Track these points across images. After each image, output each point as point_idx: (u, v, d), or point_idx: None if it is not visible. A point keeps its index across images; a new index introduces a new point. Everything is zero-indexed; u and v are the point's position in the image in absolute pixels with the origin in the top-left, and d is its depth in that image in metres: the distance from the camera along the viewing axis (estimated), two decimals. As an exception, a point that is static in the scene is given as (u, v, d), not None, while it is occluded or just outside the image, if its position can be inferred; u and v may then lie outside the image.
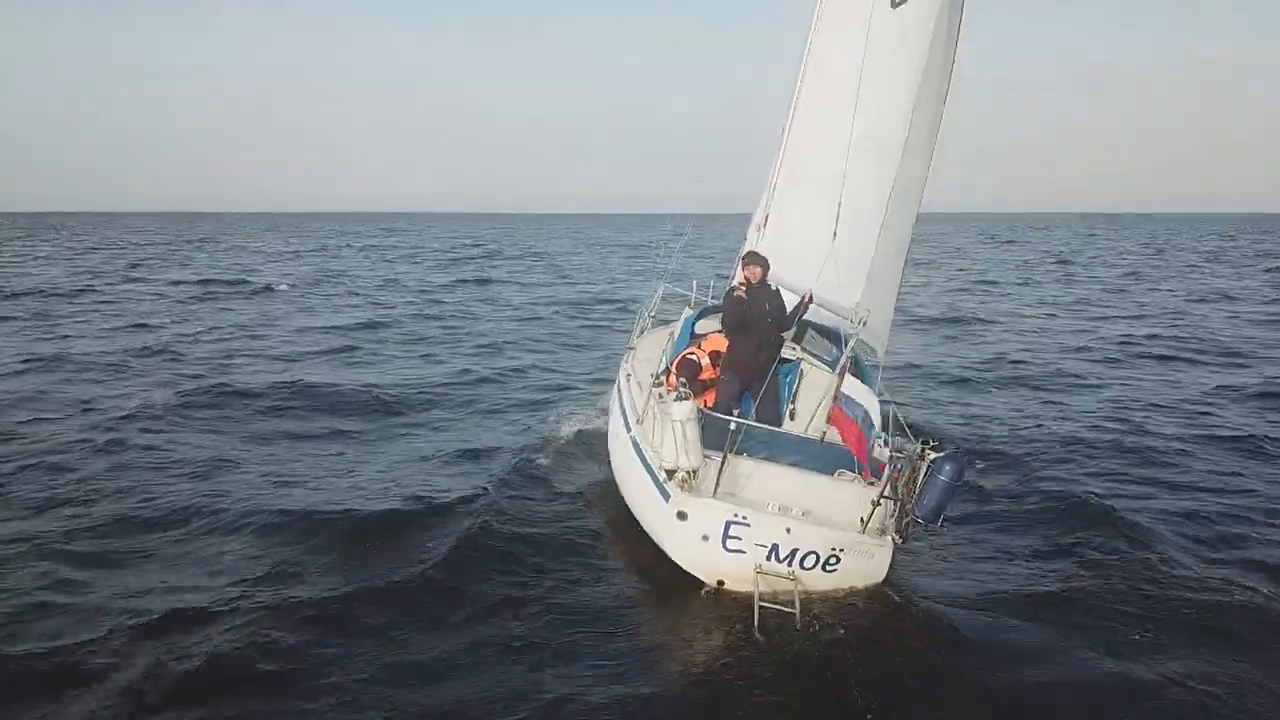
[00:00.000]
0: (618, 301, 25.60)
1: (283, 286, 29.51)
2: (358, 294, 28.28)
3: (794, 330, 8.10)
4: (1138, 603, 6.23)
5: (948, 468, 5.56)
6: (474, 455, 9.64)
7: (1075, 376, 14.85)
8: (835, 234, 7.22)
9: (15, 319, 20.64)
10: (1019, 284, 33.10)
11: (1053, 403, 12.78)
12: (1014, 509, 8.30)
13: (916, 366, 15.29)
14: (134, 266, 38.91)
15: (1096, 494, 8.44)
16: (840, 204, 7.27)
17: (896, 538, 5.95)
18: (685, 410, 5.90)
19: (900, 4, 8.48)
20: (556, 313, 23.67)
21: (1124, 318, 22.92)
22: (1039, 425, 11.23)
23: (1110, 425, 11.21)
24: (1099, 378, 14.82)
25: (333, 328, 19.77)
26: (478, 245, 65.79)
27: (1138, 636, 5.81)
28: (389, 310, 23.54)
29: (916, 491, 5.71)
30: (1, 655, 5.35)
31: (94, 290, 27.74)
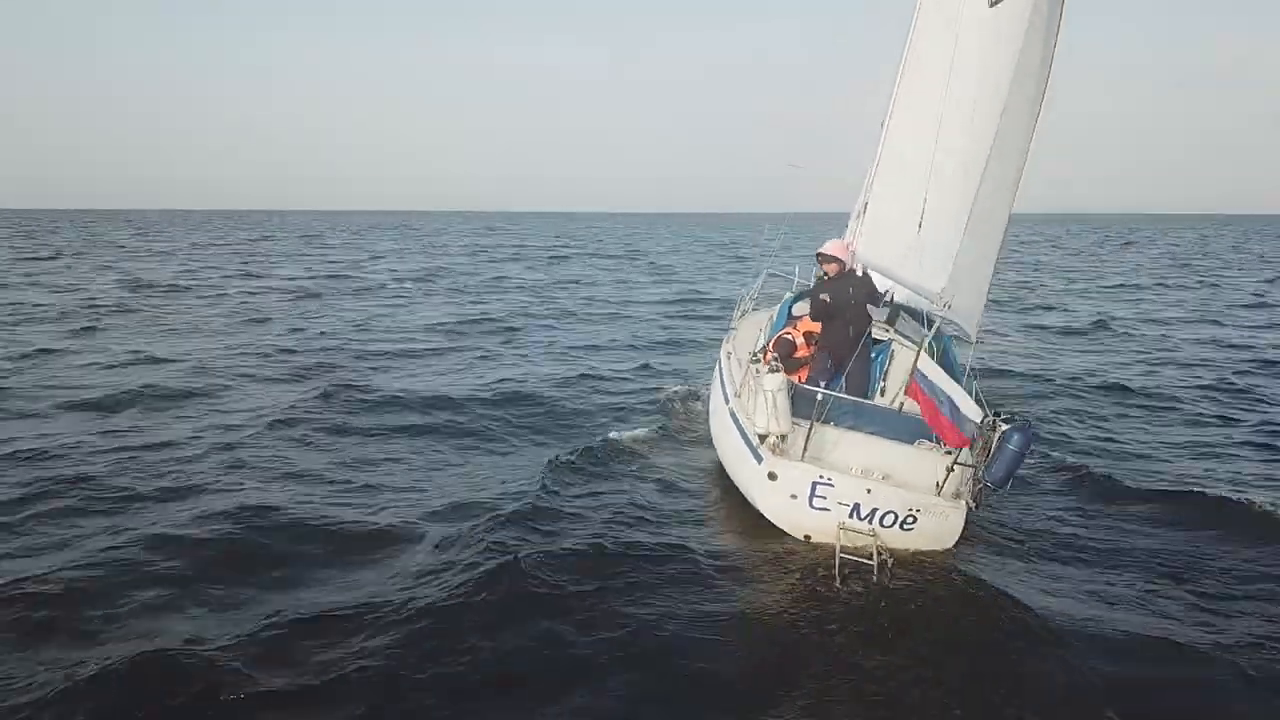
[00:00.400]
0: (716, 300, 25.88)
1: (406, 284, 30.92)
2: (464, 290, 29.55)
3: (887, 314, 8.66)
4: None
5: (1016, 437, 6.09)
6: (578, 431, 10.56)
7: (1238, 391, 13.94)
8: (920, 224, 7.75)
9: (140, 311, 22.20)
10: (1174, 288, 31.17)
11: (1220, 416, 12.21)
12: (1126, 510, 8.26)
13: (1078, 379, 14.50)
14: (246, 262, 41.60)
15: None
16: (925, 198, 7.80)
17: (971, 502, 6.51)
18: (776, 381, 6.63)
19: (996, 3, 8.91)
20: (662, 312, 24.26)
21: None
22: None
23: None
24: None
25: (450, 327, 20.63)
26: (575, 242, 67.21)
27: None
28: (504, 308, 24.57)
29: (988, 459, 6.26)
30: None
31: (216, 286, 29.32)
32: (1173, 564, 7.03)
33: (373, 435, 10.43)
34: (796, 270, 11.26)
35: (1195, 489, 8.51)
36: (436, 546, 6.97)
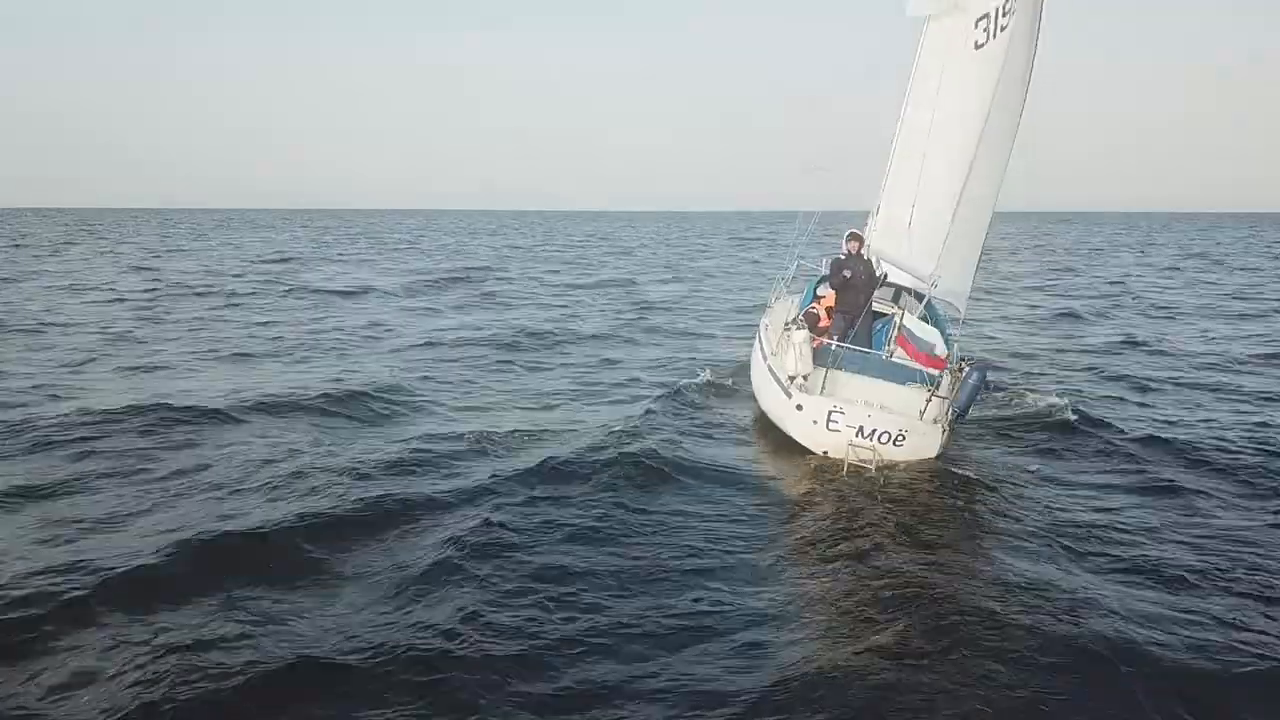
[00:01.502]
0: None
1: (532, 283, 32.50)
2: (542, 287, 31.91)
3: (892, 293, 11.03)
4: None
5: (974, 374, 8.43)
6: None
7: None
8: (910, 223, 10.14)
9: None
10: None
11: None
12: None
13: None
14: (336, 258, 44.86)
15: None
16: (914, 204, 10.19)
17: (946, 425, 8.84)
18: (802, 335, 9.06)
19: (981, 46, 11.22)
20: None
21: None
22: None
23: None
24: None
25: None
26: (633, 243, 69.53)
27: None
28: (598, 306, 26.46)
29: (955, 393, 8.60)
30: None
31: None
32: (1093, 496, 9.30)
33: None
34: (823, 262, 13.64)
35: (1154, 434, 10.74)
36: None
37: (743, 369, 13.20)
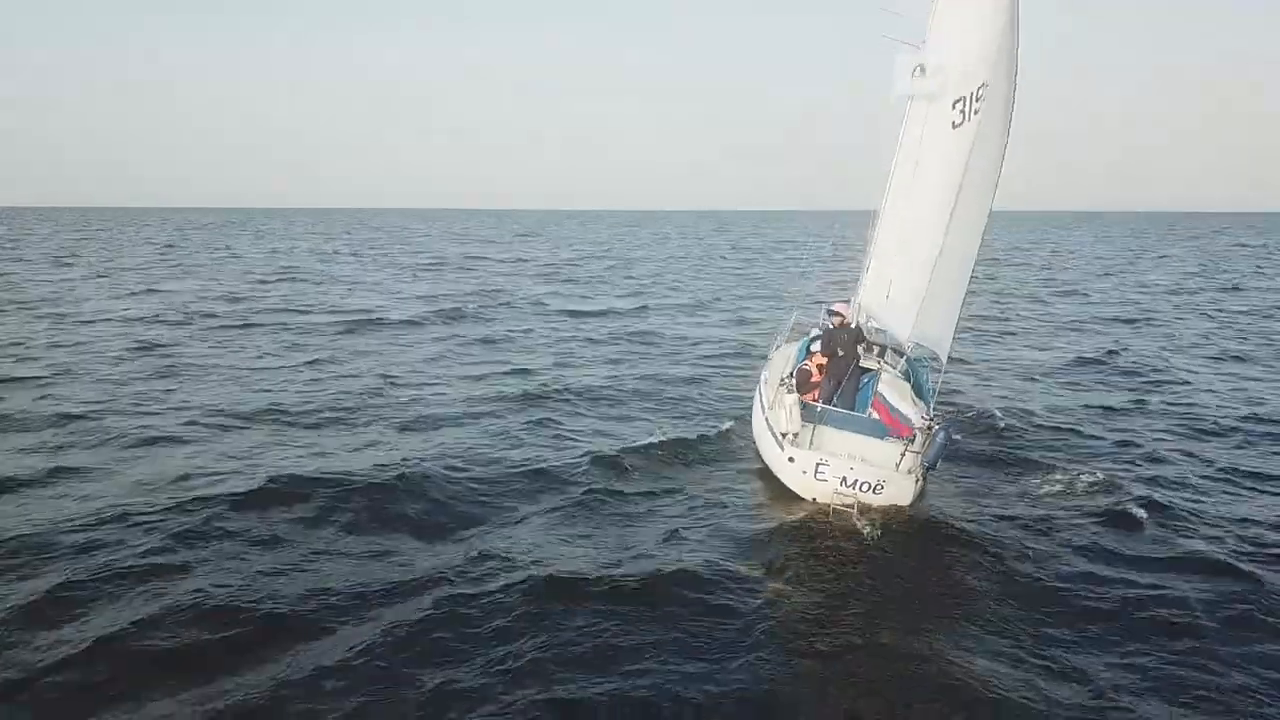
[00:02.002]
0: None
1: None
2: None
3: (877, 351, 12.35)
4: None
5: (941, 435, 9.72)
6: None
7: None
8: (889, 294, 11.45)
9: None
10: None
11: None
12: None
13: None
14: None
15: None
16: (893, 279, 11.50)
17: (919, 476, 10.13)
18: (792, 399, 10.39)
19: (958, 126, 12.49)
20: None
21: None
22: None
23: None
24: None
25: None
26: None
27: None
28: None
29: (926, 449, 9.90)
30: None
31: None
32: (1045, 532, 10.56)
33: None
34: (821, 316, 15.01)
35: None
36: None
37: (744, 416, 14.60)
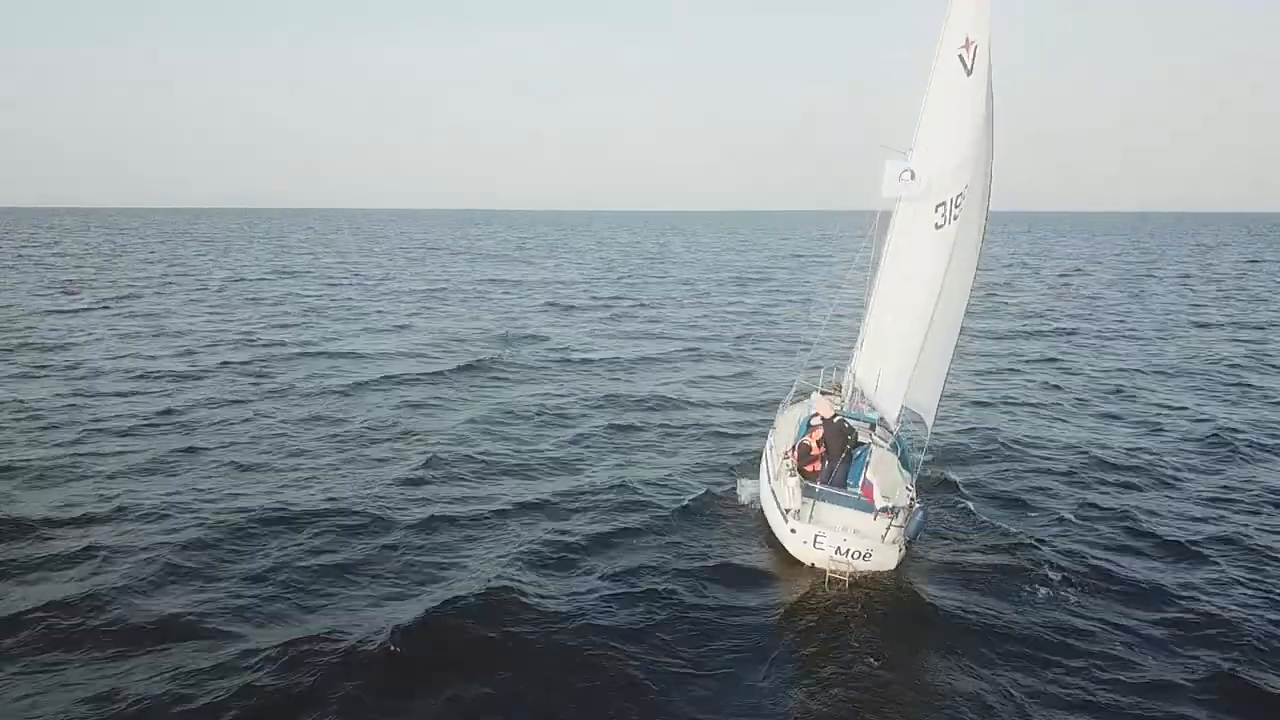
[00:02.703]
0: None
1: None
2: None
3: (868, 427, 14.10)
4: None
5: (919, 514, 11.43)
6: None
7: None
8: (877, 385, 13.20)
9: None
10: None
11: None
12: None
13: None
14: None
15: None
16: (881, 368, 13.24)
17: (901, 546, 11.83)
18: (795, 480, 12.10)
19: (940, 228, 14.18)
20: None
21: None
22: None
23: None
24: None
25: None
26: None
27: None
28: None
29: (906, 524, 11.62)
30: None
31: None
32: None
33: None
34: (820, 378, 16.77)
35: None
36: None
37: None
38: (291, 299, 44.29)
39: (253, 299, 43.87)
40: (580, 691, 9.08)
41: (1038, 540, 13.00)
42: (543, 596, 10.96)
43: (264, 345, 29.70)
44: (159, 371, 24.78)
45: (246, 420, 19.40)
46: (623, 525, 13.49)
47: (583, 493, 14.97)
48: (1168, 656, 10.04)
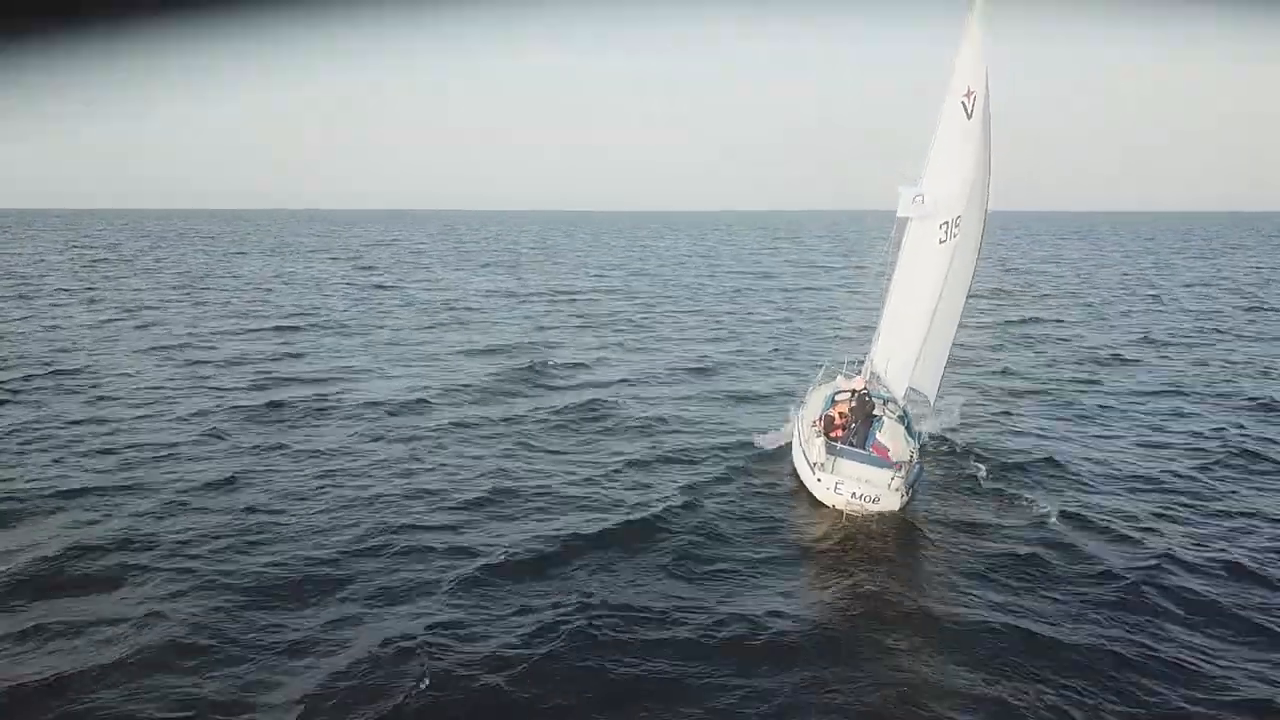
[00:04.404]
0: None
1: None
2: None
3: (881, 402, 17.60)
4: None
5: (918, 467, 14.89)
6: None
7: None
8: (887, 369, 16.66)
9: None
10: None
11: None
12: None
13: None
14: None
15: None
16: (891, 353, 16.69)
17: (902, 492, 15.26)
18: (821, 440, 15.61)
19: (943, 243, 17.51)
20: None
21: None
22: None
23: None
24: None
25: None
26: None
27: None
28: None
29: (908, 475, 15.08)
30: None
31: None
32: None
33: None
34: (845, 363, 20.27)
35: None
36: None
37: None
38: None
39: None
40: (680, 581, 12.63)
41: (1022, 495, 16.39)
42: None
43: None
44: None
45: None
46: (694, 480, 16.96)
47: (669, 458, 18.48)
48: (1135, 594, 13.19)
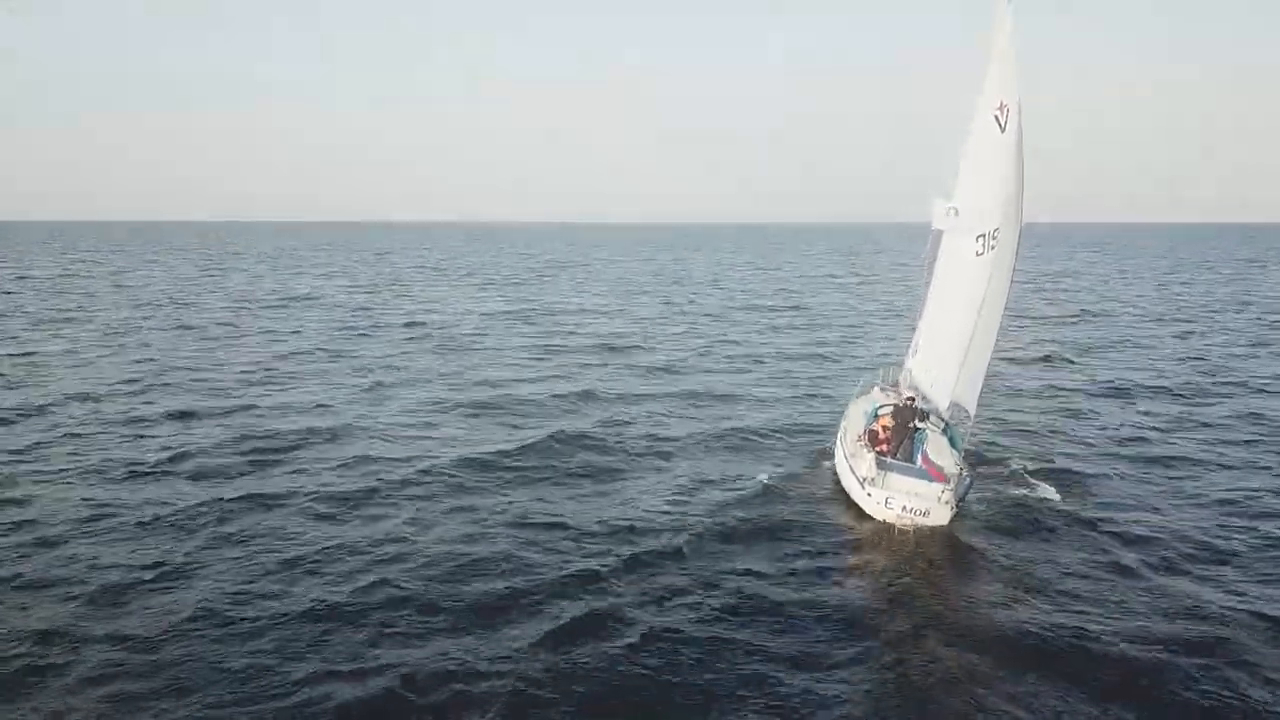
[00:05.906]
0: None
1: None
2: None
3: (925, 415, 17.69)
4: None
5: (967, 480, 14.96)
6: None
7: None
8: (932, 384, 16.73)
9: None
10: None
11: None
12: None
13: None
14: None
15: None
16: (932, 372, 16.77)
17: (952, 506, 15.33)
18: (870, 455, 15.72)
19: (980, 255, 17.62)
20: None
21: None
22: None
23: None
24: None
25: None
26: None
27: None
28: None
29: (956, 489, 15.15)
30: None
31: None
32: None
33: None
34: (880, 375, 20.35)
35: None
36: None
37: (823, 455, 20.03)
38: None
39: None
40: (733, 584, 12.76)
41: (1063, 507, 16.41)
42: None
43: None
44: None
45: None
46: (735, 496, 17.14)
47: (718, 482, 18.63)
48: (1166, 598, 13.29)
